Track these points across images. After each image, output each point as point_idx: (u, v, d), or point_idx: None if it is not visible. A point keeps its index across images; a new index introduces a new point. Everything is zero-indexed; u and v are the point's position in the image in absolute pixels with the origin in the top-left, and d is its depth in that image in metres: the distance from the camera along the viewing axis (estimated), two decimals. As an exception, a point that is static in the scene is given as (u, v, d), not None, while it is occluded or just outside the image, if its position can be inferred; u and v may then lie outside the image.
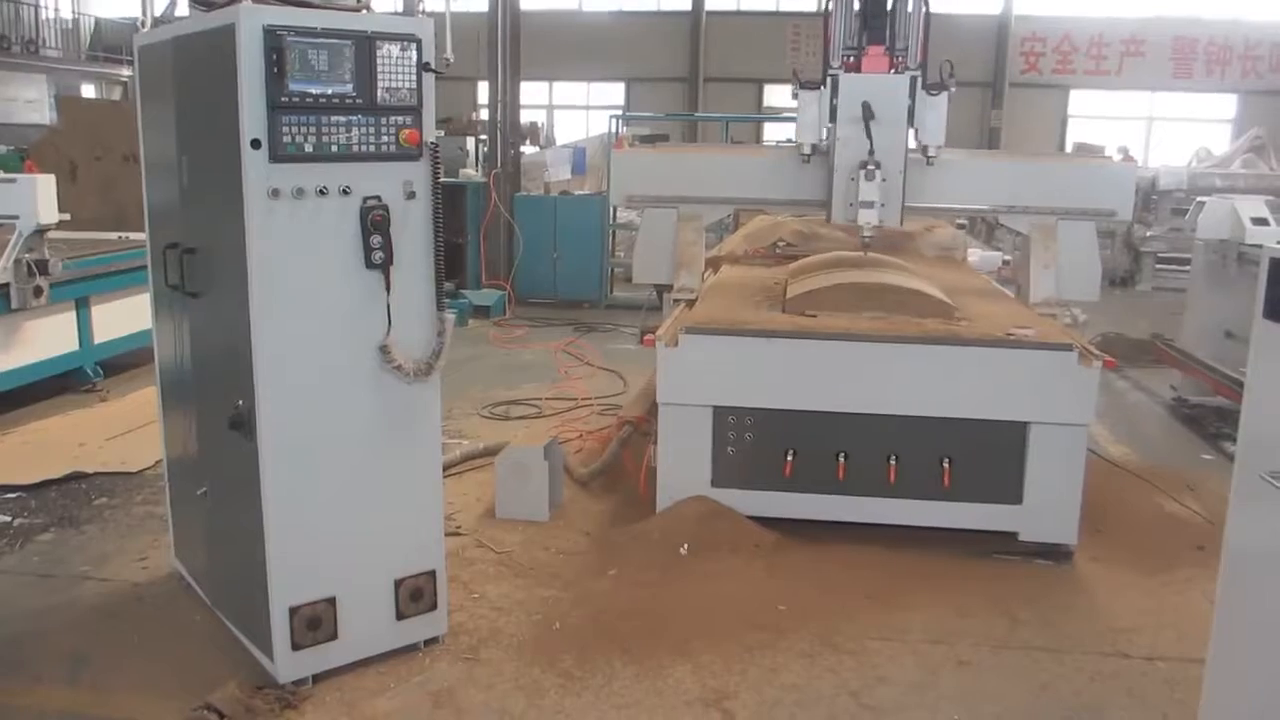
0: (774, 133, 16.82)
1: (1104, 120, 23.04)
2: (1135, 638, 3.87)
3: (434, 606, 3.61)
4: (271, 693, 3.29)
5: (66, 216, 6.50)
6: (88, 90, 24.71)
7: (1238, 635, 2.50)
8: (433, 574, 3.59)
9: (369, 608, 3.46)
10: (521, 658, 3.63)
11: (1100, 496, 4.82)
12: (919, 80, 4.83)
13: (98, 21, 25.07)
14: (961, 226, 8.44)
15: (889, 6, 4.94)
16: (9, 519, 4.87)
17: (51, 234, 6.52)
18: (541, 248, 11.23)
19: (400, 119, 3.21)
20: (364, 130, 3.16)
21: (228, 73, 2.99)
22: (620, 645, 3.70)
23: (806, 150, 5.01)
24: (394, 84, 3.18)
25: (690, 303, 5.28)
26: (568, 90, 25.15)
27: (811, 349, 4.48)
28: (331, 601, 3.36)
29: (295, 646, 3.31)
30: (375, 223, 3.19)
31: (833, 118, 4.87)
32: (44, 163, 9.33)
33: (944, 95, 4.82)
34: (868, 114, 4.73)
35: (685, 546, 4.37)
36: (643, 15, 24.68)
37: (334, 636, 3.38)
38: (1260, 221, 6.97)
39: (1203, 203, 7.86)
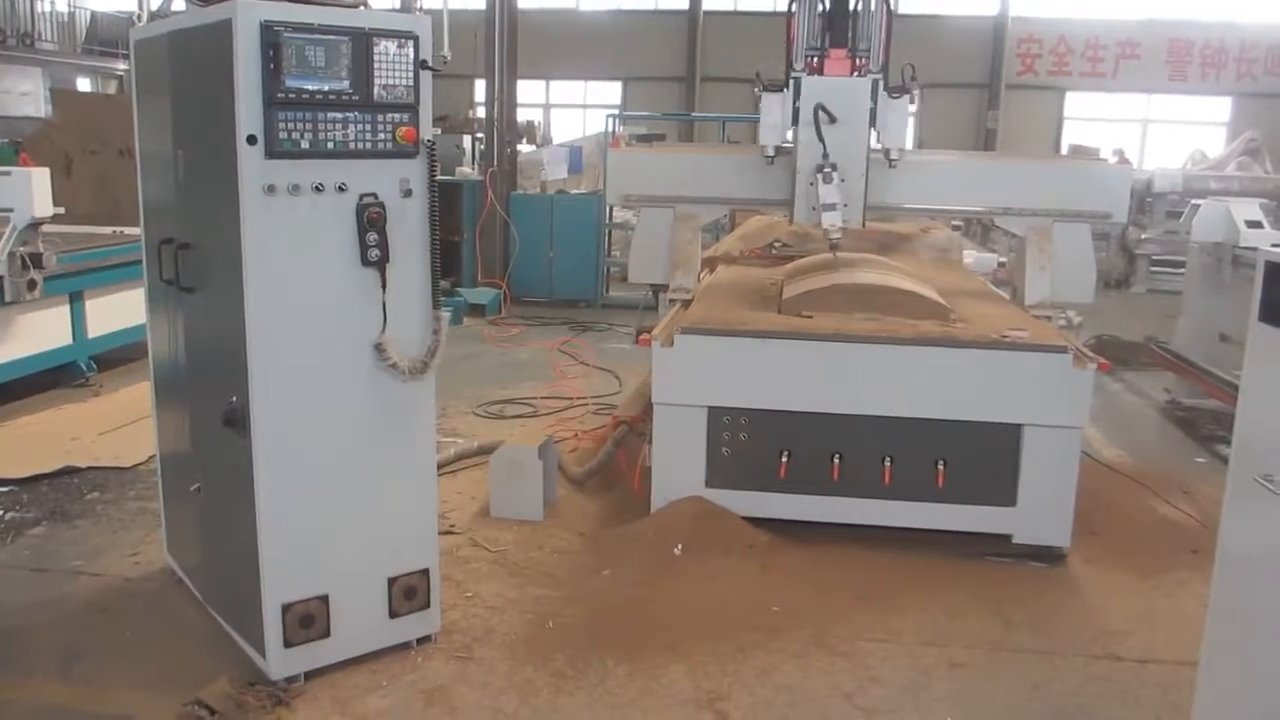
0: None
1: (1100, 122, 23.12)
2: (1128, 640, 3.88)
3: (427, 605, 3.61)
4: (263, 689, 3.29)
5: (61, 210, 6.47)
6: (83, 84, 24.66)
7: (1230, 638, 2.51)
8: (426, 572, 3.58)
9: (362, 605, 3.46)
10: (514, 657, 3.62)
11: (1094, 499, 4.83)
12: (881, 83, 4.83)
13: (94, 15, 25.00)
14: (957, 228, 8.45)
15: (851, 8, 4.94)
16: (1, 513, 4.85)
17: (46, 228, 6.49)
18: (537, 246, 11.22)
19: (397, 116, 3.20)
20: (360, 127, 3.15)
21: (224, 68, 2.98)
22: (613, 645, 3.69)
23: (770, 153, 5.01)
24: (391, 81, 3.17)
25: (686, 303, 5.28)
26: (565, 89, 25.14)
27: (807, 350, 4.48)
28: (324, 599, 3.35)
29: (288, 643, 3.30)
30: (371, 220, 3.18)
31: (795, 120, 4.86)
32: (39, 156, 9.31)
33: (906, 98, 4.82)
34: (818, 118, 4.73)
35: (679, 547, 4.37)
36: (640, 14, 24.68)
37: (326, 634, 3.38)
38: (1255, 224, 6.99)
39: (1198, 205, 7.90)
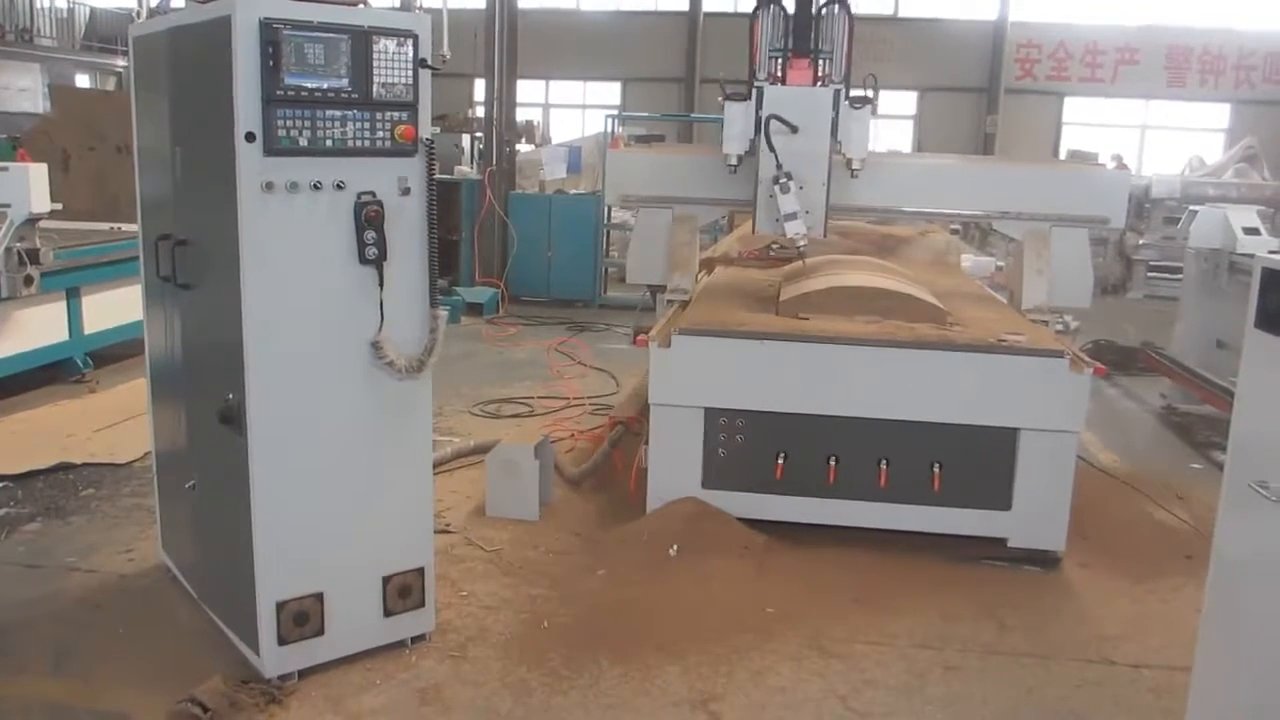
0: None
1: (1098, 128, 23.14)
2: (1122, 645, 3.88)
3: (422, 604, 3.60)
4: (257, 687, 3.28)
5: (58, 206, 6.47)
6: (82, 80, 24.63)
7: (1224, 644, 2.51)
8: (421, 571, 3.58)
9: (357, 604, 3.45)
10: (509, 656, 3.62)
11: (1089, 503, 4.83)
12: (843, 93, 4.85)
13: (92, 11, 24.97)
14: (955, 232, 8.46)
15: (814, 17, 4.96)
16: (-5, 509, 4.85)
17: (43, 223, 6.49)
18: (536, 246, 11.22)
19: (396, 115, 3.20)
20: (359, 125, 3.15)
21: (223, 65, 2.98)
22: (608, 645, 3.69)
23: (734, 161, 5.02)
24: (390, 79, 3.17)
25: (683, 304, 5.28)
26: (564, 89, 25.13)
27: (804, 352, 4.48)
28: (319, 597, 3.35)
29: (282, 641, 3.30)
30: (369, 218, 3.18)
31: (758, 130, 4.87)
32: (36, 152, 9.28)
33: (867, 109, 4.83)
34: (769, 128, 4.73)
35: (675, 548, 4.37)
36: (640, 15, 24.68)
37: (321, 632, 3.37)
38: (1252, 231, 7.00)
39: (1195, 212, 7.90)
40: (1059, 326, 5.22)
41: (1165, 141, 22.81)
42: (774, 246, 7.09)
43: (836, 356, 4.46)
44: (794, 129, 4.73)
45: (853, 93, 4.84)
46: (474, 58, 11.28)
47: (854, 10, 5.05)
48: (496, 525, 4.75)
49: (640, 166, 5.69)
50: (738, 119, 4.90)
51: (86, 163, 9.90)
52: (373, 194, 3.19)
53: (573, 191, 12.25)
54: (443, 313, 3.43)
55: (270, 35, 2.94)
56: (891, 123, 24.13)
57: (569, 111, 24.93)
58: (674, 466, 4.60)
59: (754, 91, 4.86)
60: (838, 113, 4.78)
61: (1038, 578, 4.44)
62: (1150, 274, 13.44)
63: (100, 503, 4.97)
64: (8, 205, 6.17)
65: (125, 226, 7.60)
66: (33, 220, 6.31)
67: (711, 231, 9.39)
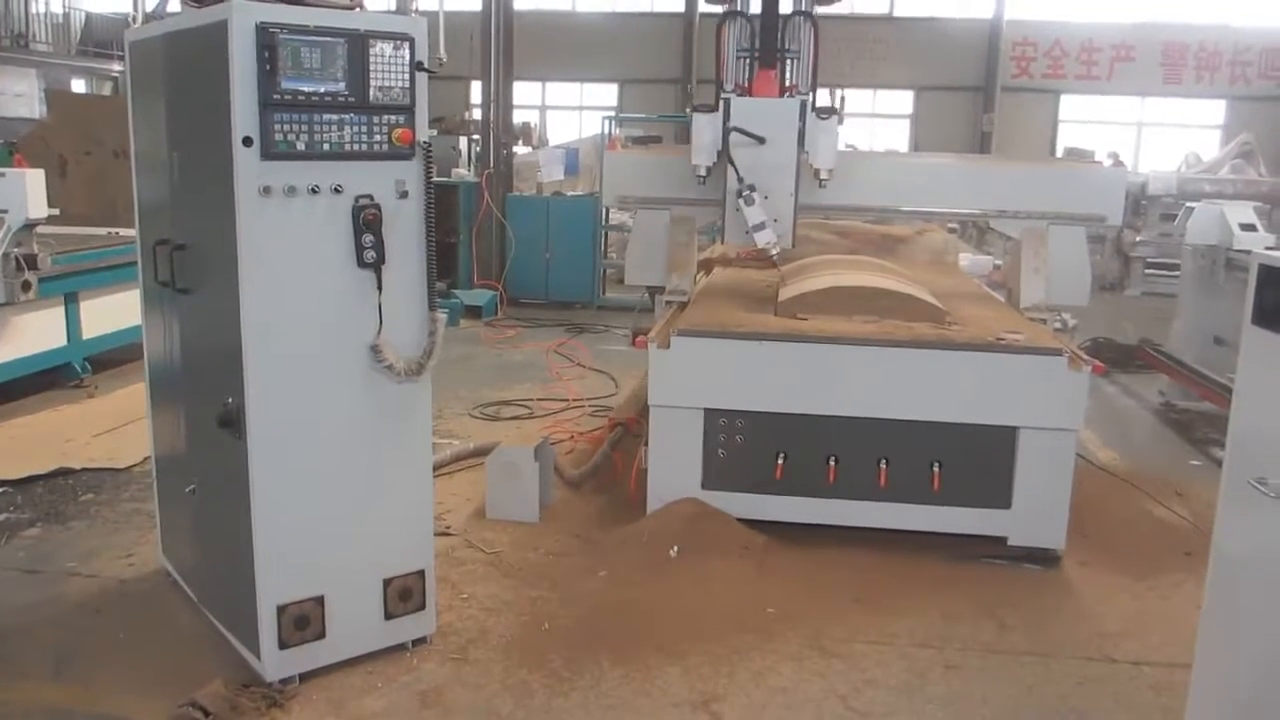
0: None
1: (1095, 125, 23.15)
2: (1122, 642, 3.89)
3: (423, 606, 3.60)
4: (258, 691, 3.28)
5: (56, 211, 6.47)
6: (78, 85, 24.57)
7: (1224, 641, 2.51)
8: (422, 574, 3.58)
9: (357, 607, 3.45)
10: (510, 658, 3.62)
11: (1088, 501, 4.83)
12: (809, 104, 4.86)
13: (88, 16, 24.95)
14: (953, 230, 8.46)
15: (780, 30, 4.99)
16: (-5, 515, 4.85)
17: (40, 229, 6.49)
18: (534, 248, 11.21)
19: (393, 118, 3.20)
20: (356, 129, 3.15)
21: (219, 69, 2.98)
22: (609, 646, 3.69)
23: (702, 173, 5.03)
24: (387, 83, 3.17)
25: (682, 305, 5.28)
26: (561, 91, 25.13)
27: (802, 352, 4.48)
28: (320, 600, 3.35)
29: (283, 645, 3.30)
30: (367, 222, 3.18)
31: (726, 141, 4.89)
32: (33, 157, 9.29)
33: (834, 119, 4.85)
34: (728, 141, 4.76)
35: (675, 548, 4.37)
36: (636, 16, 24.67)
37: (322, 635, 3.37)
38: (1248, 227, 7.01)
39: (1192, 208, 7.91)
40: (1057, 325, 5.23)
41: (1161, 138, 22.81)
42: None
43: (835, 356, 4.46)
44: (760, 140, 4.77)
45: (819, 103, 4.89)
46: (470, 60, 11.28)
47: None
48: (497, 527, 4.75)
49: (638, 168, 5.69)
50: (705, 130, 4.93)
51: (83, 168, 9.90)
52: (370, 197, 3.19)
53: (570, 193, 12.25)
54: (441, 315, 3.43)
55: (266, 39, 2.95)
56: (888, 122, 24.18)
57: (566, 113, 24.93)
58: (674, 467, 4.60)
59: (721, 103, 4.88)
60: (804, 123, 4.81)
61: (1038, 576, 4.44)
62: (1148, 271, 13.44)
63: (100, 507, 4.97)
64: (5, 211, 6.17)
65: (123, 231, 7.59)
66: (30, 226, 6.30)
67: (710, 232, 9.36)
